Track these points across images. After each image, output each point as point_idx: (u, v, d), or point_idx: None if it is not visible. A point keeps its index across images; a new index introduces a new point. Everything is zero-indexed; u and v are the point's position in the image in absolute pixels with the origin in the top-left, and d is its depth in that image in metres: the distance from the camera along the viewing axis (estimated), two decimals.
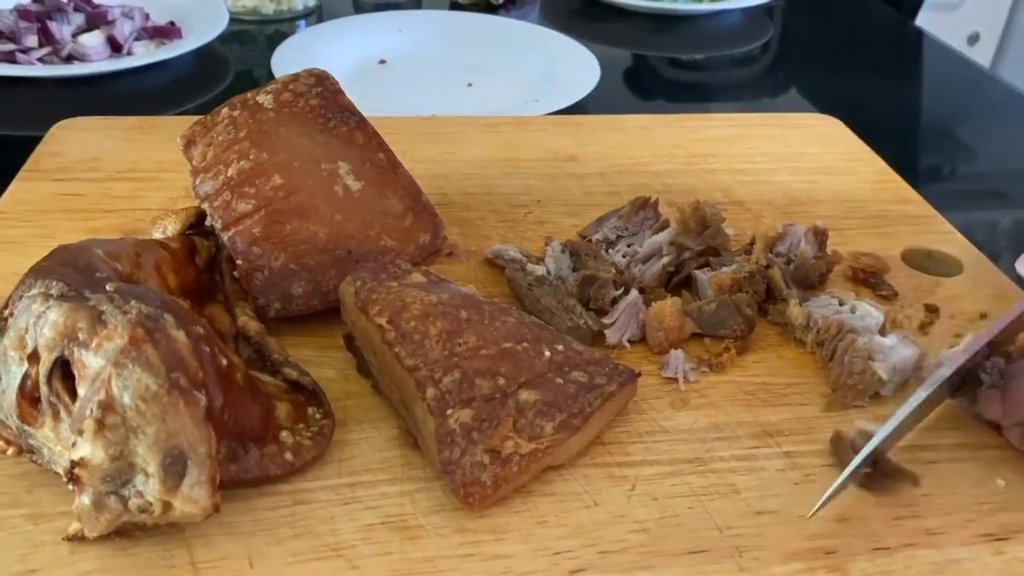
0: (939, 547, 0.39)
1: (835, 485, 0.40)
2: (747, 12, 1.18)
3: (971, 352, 0.44)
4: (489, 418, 0.40)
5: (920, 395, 0.42)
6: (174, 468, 0.35)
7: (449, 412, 0.40)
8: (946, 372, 0.43)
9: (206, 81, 0.91)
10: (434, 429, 0.40)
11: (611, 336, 0.51)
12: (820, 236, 0.57)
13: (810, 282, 0.55)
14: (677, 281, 0.55)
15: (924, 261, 0.60)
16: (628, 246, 0.57)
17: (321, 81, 0.57)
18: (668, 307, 0.50)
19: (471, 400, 0.41)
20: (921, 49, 1.17)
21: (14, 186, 0.62)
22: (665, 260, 0.55)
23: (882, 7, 1.27)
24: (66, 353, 0.37)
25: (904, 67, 1.13)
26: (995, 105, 1.00)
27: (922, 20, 1.29)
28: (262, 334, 0.48)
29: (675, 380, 0.48)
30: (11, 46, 0.86)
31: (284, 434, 0.42)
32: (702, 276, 0.54)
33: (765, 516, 0.40)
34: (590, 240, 0.58)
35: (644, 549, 0.39)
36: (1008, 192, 0.81)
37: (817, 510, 0.40)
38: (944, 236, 0.63)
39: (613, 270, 0.54)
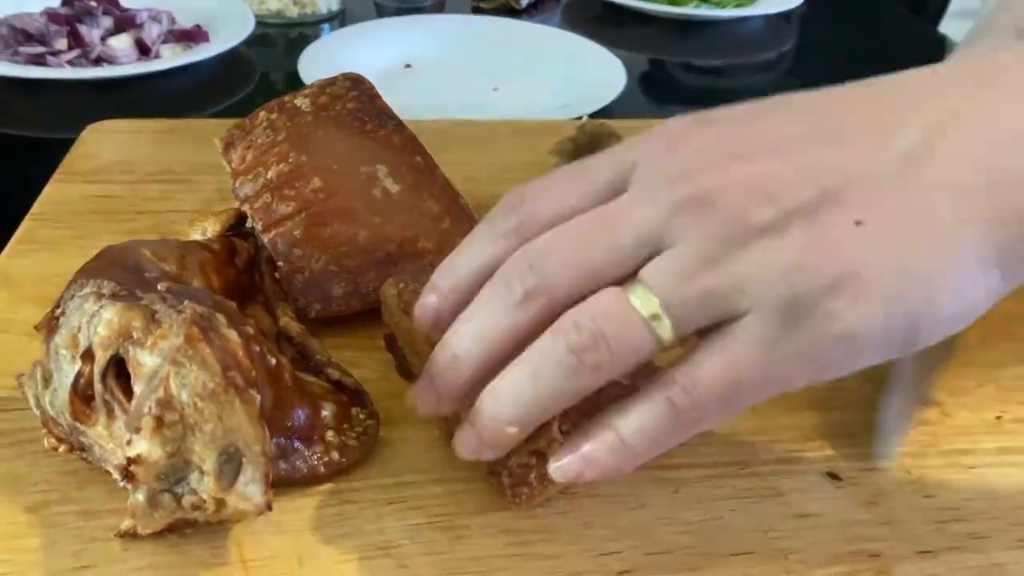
0: (983, 551, 0.39)
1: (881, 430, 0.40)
2: (768, 18, 1.18)
3: None
4: None
5: None
6: (229, 466, 0.35)
7: None
8: None
9: (232, 84, 0.92)
10: None
11: None
12: None
13: None
14: None
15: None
16: None
17: (357, 85, 0.57)
18: None
19: None
20: (944, 55, 1.17)
21: (49, 188, 0.63)
22: None
23: (904, 13, 1.27)
24: (121, 352, 0.37)
25: None
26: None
27: (945, 26, 1.29)
28: (304, 335, 0.48)
29: None
30: (41, 48, 0.87)
31: (330, 434, 0.42)
32: None
33: (808, 519, 0.41)
34: None
35: (690, 551, 0.39)
36: None
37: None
38: None
39: None
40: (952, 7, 1.31)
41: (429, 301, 0.37)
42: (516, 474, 0.39)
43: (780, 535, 0.40)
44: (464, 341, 0.34)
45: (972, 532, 0.40)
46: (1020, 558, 0.39)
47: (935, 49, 1.19)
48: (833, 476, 0.43)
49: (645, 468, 0.43)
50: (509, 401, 0.34)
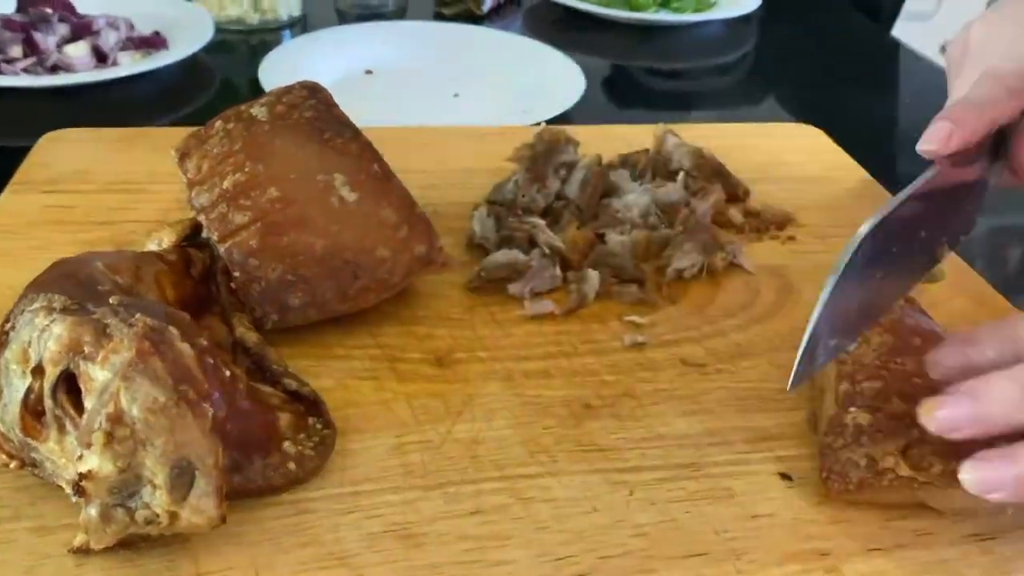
0: (929, 547, 0.40)
1: (798, 358, 0.39)
2: (727, 23, 1.20)
3: (895, 205, 0.42)
4: (885, 431, 0.42)
5: (843, 260, 0.40)
6: (182, 479, 0.35)
7: (852, 410, 0.43)
8: (865, 229, 0.40)
9: (192, 91, 0.92)
10: (831, 415, 0.43)
11: (513, 289, 0.55)
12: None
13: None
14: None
15: None
16: (537, 191, 0.62)
17: (315, 93, 0.57)
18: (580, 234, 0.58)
19: (878, 410, 0.42)
20: (897, 59, 1.19)
21: (4, 198, 0.62)
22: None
23: (859, 18, 1.29)
24: (71, 367, 0.37)
25: (880, 77, 1.15)
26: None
27: (897, 31, 1.31)
28: (261, 345, 0.48)
29: (671, 387, 0.49)
30: None
31: (287, 444, 0.42)
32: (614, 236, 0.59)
33: (761, 519, 0.41)
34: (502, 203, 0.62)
35: (644, 553, 0.39)
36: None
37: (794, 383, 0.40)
38: None
39: (530, 228, 0.58)
40: (905, 11, 1.33)
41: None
42: (841, 464, 0.41)
43: (733, 536, 0.41)
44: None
45: (918, 529, 0.41)
46: (965, 553, 0.40)
47: (889, 52, 1.21)
48: (784, 476, 0.44)
49: (600, 471, 0.44)
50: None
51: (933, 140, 0.44)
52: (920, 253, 0.45)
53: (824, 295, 0.39)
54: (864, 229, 0.40)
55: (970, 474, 0.37)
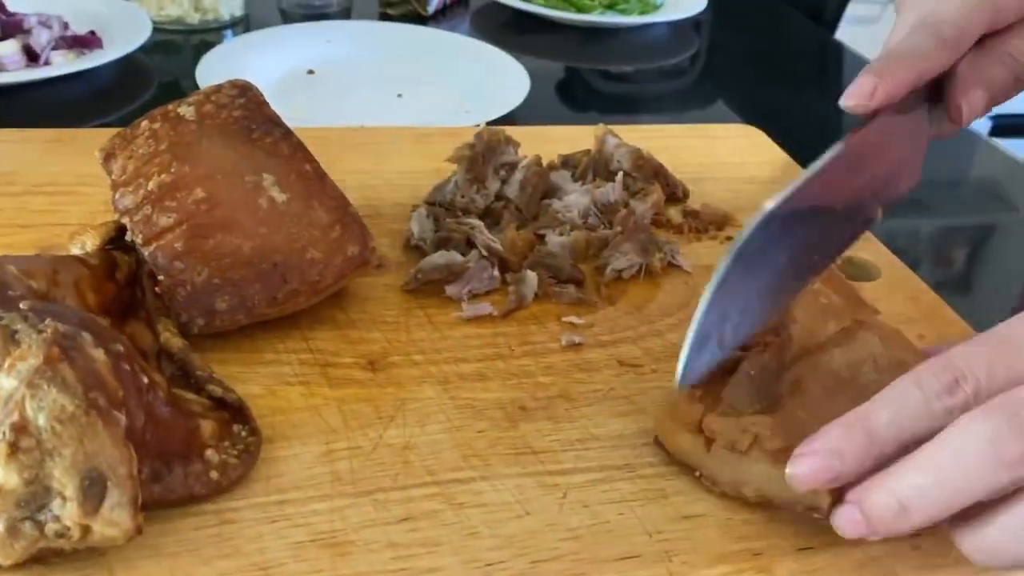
0: (860, 545, 0.40)
1: (681, 363, 0.37)
2: (674, 25, 1.20)
3: (794, 189, 0.39)
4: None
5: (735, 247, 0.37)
6: (93, 490, 0.34)
7: None
8: (769, 206, 0.38)
9: (128, 92, 0.89)
10: None
11: (450, 290, 0.54)
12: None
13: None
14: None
15: (844, 266, 0.62)
16: (476, 191, 0.62)
17: (244, 92, 0.56)
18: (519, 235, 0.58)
19: None
20: (842, 62, 1.21)
21: None
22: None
23: (804, 22, 1.31)
24: None
25: (825, 79, 1.17)
26: None
27: (842, 34, 1.33)
28: (185, 350, 0.47)
29: (607, 388, 0.49)
30: None
31: (209, 452, 0.41)
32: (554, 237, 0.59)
33: (693, 520, 0.41)
34: (442, 204, 0.62)
35: (576, 557, 0.39)
36: (926, 201, 0.84)
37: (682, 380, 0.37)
38: (862, 242, 0.64)
39: (468, 229, 0.58)
40: (847, 14, 1.35)
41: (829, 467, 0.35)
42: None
43: (665, 537, 0.40)
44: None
45: None
46: (895, 550, 0.41)
47: (834, 55, 1.23)
48: None
49: (533, 474, 0.43)
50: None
51: (856, 95, 0.42)
52: (851, 217, 0.43)
53: (713, 281, 0.36)
54: (769, 206, 0.38)
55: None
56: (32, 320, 0.37)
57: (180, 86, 0.93)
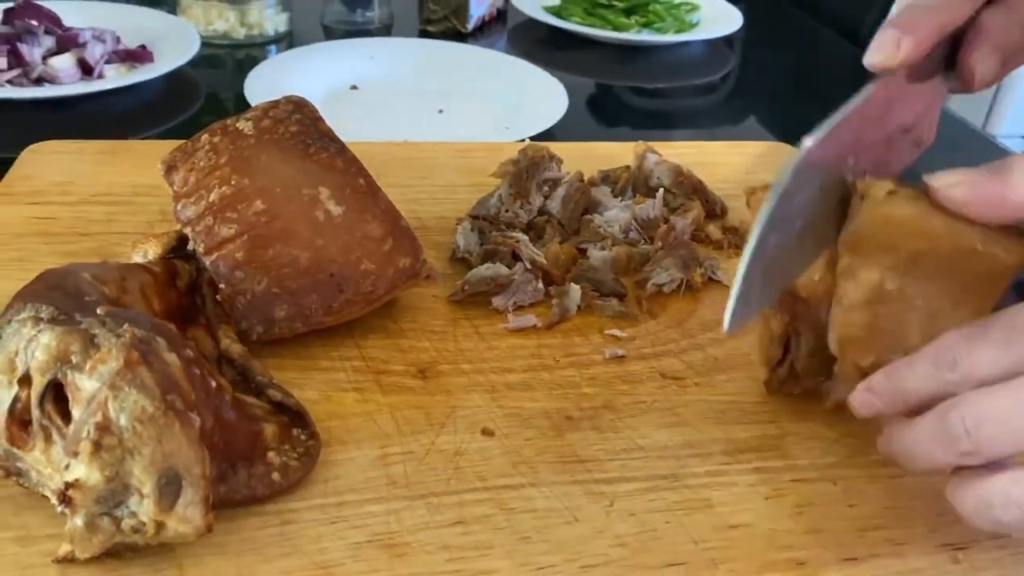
0: (903, 556, 0.41)
1: (732, 299, 0.38)
2: (709, 43, 1.21)
3: (830, 127, 0.40)
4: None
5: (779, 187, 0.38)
6: (169, 488, 0.36)
7: None
8: (808, 143, 0.39)
9: (177, 105, 0.92)
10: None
11: (496, 302, 0.56)
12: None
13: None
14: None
15: None
16: (520, 206, 0.63)
17: (300, 108, 0.58)
18: (562, 248, 0.59)
19: None
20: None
21: None
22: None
23: (839, 40, 1.32)
24: (59, 376, 0.37)
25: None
26: (944, 135, 1.04)
27: None
28: (245, 356, 0.48)
29: (650, 400, 0.50)
30: None
31: (271, 455, 0.43)
32: (596, 252, 0.61)
33: (739, 529, 0.42)
34: (486, 217, 0.63)
35: (624, 563, 0.40)
36: None
37: (731, 325, 0.38)
38: None
39: (513, 243, 0.59)
40: None
41: (871, 401, 0.41)
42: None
43: (711, 545, 0.41)
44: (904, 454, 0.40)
45: (892, 539, 0.42)
46: (936, 563, 0.41)
47: (868, 75, 1.23)
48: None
49: (580, 482, 0.44)
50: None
51: (880, 50, 0.41)
52: (880, 165, 0.43)
53: (762, 216, 0.37)
54: (808, 143, 0.38)
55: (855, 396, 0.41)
56: (110, 325, 0.39)
57: (226, 99, 0.95)
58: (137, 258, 0.54)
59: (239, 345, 0.49)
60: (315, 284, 0.51)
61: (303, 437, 0.44)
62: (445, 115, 0.92)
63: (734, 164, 0.78)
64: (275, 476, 0.42)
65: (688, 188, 0.67)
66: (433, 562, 0.39)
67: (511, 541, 0.41)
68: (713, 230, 0.66)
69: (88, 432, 0.35)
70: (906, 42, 0.41)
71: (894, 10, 0.46)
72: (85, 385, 0.36)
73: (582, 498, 0.43)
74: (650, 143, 0.71)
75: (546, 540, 0.41)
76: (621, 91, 1.09)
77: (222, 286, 0.50)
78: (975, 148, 1.04)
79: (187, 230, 0.52)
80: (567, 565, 0.40)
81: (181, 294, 0.52)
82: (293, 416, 0.45)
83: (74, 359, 0.38)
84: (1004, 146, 1.02)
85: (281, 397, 0.46)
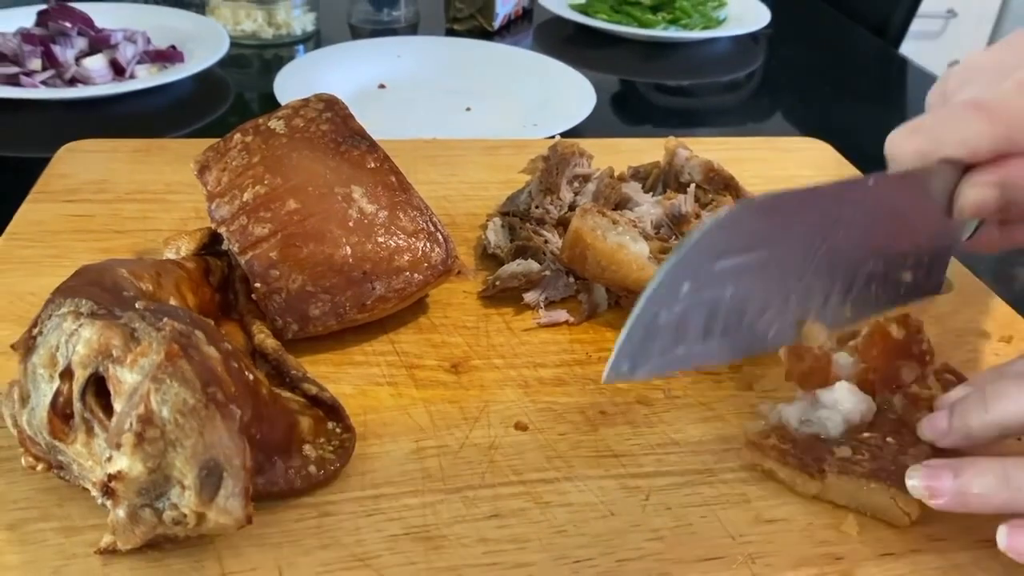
0: (942, 552, 0.41)
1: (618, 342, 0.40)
2: (736, 40, 1.21)
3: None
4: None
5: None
6: (210, 480, 0.36)
7: None
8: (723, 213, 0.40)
9: (207, 104, 0.93)
10: None
11: (528, 297, 0.56)
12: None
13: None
14: None
15: None
16: (550, 202, 0.63)
17: (331, 106, 0.58)
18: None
19: None
20: (905, 76, 1.20)
21: (25, 207, 0.63)
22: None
23: (867, 36, 1.30)
24: (100, 369, 0.38)
25: (888, 94, 1.16)
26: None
27: (904, 49, 1.32)
28: (280, 351, 0.49)
29: (684, 394, 0.50)
30: (15, 69, 0.87)
31: (307, 448, 0.43)
32: None
33: (775, 524, 0.42)
34: (515, 214, 0.63)
35: (660, 557, 0.40)
36: None
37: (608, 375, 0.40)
38: None
39: (543, 239, 0.59)
40: (913, 29, 1.34)
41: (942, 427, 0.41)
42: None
43: (748, 540, 0.41)
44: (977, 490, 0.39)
45: (932, 534, 0.42)
46: (977, 558, 0.41)
47: (897, 69, 1.22)
48: None
49: (615, 476, 0.44)
50: None
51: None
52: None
53: (657, 276, 0.38)
54: (722, 213, 0.39)
55: (916, 480, 0.39)
56: (150, 319, 0.39)
57: (255, 98, 0.96)
58: (169, 254, 0.54)
59: (272, 340, 0.49)
60: (349, 282, 0.51)
61: (338, 430, 0.45)
62: (472, 113, 0.92)
63: (764, 160, 0.77)
64: (312, 468, 0.42)
65: (719, 184, 0.66)
66: (470, 555, 0.39)
67: (547, 534, 0.41)
68: None
69: (131, 424, 0.36)
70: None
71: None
72: (127, 378, 0.37)
73: (617, 492, 0.43)
74: (681, 138, 0.71)
75: (582, 534, 0.41)
76: (647, 88, 1.09)
77: (257, 285, 0.50)
78: None
79: (221, 230, 0.52)
80: (603, 559, 0.40)
81: (214, 290, 0.52)
82: (327, 409, 0.46)
83: (115, 352, 0.38)
84: None
85: (316, 391, 0.46)
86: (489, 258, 0.61)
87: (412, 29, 1.18)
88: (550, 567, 0.39)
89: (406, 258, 0.53)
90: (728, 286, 0.41)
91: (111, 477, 0.36)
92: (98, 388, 0.39)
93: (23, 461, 0.41)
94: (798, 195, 0.41)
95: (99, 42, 0.91)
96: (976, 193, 0.44)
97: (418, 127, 0.86)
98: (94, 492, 0.39)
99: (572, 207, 0.64)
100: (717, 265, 0.40)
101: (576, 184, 0.65)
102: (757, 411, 0.48)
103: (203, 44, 0.97)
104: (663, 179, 0.68)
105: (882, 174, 0.44)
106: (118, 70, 0.91)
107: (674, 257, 0.38)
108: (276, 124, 0.56)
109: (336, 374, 0.50)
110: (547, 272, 0.57)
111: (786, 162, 0.77)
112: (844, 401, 0.43)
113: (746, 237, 0.40)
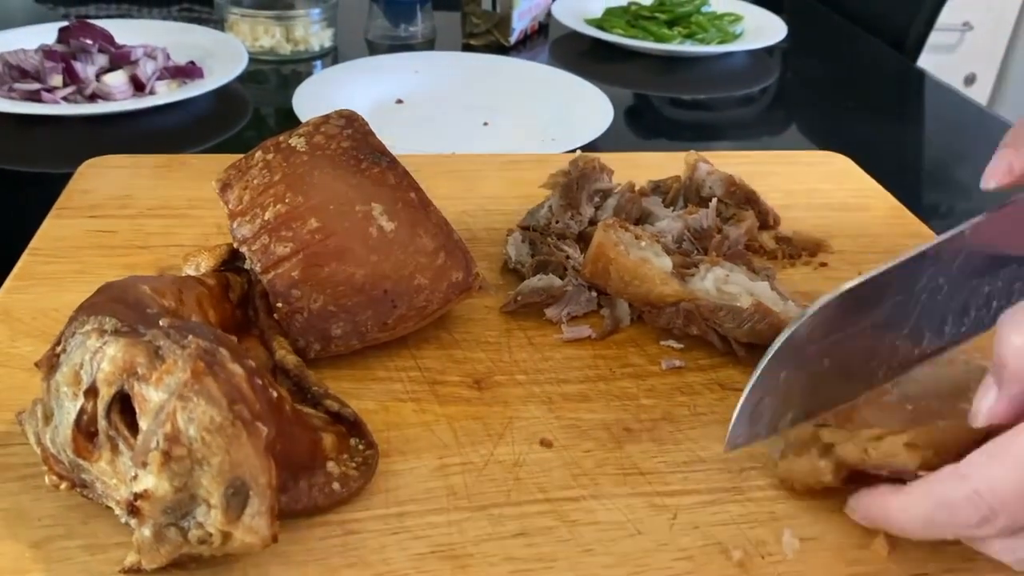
0: (977, 573, 0.40)
1: (735, 413, 0.40)
2: (751, 53, 1.21)
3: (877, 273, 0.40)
4: None
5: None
6: (236, 499, 0.36)
7: None
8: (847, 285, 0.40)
9: (226, 120, 0.93)
10: None
11: (550, 313, 0.56)
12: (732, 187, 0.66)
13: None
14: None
15: None
16: (571, 217, 0.63)
17: (351, 123, 0.58)
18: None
19: None
20: (923, 89, 1.19)
21: (48, 223, 0.63)
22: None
23: (884, 49, 1.30)
24: (125, 387, 0.38)
25: (905, 107, 1.16)
26: (993, 143, 1.02)
27: (920, 61, 1.32)
28: (301, 367, 0.49)
29: (710, 411, 0.49)
30: (36, 85, 0.87)
31: (330, 464, 0.43)
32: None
33: (805, 543, 0.41)
34: (536, 228, 0.63)
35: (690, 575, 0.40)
36: None
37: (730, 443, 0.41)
38: None
39: (565, 254, 0.59)
40: (929, 42, 1.34)
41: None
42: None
43: (778, 559, 0.41)
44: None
45: (964, 554, 0.41)
46: None
47: (914, 82, 1.22)
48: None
49: (642, 494, 0.44)
50: None
51: (995, 175, 0.43)
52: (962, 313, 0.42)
53: (764, 360, 0.39)
54: (848, 285, 0.40)
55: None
56: (174, 336, 0.39)
57: (273, 114, 0.96)
58: (189, 271, 0.54)
59: (294, 356, 0.49)
60: (370, 301, 0.51)
61: (361, 447, 0.44)
62: (490, 127, 0.93)
63: (784, 174, 0.77)
64: (335, 486, 0.42)
65: (740, 198, 0.66)
66: (497, 574, 0.39)
67: (575, 553, 0.40)
68: (767, 240, 0.65)
69: (157, 443, 0.35)
70: (1019, 161, 0.43)
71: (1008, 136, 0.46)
72: (152, 396, 0.37)
73: (644, 510, 0.43)
74: (701, 152, 0.71)
75: (609, 553, 0.40)
76: (663, 102, 1.09)
77: (279, 305, 0.50)
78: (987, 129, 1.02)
79: (243, 249, 0.52)
80: None
81: (234, 306, 0.52)
82: (350, 426, 0.45)
83: (140, 370, 0.38)
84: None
85: (338, 407, 0.46)
86: (510, 273, 0.61)
87: (429, 44, 1.18)
88: None
89: (427, 276, 0.52)
90: (825, 359, 0.41)
91: (137, 496, 0.36)
92: (123, 406, 0.38)
93: (47, 480, 0.41)
94: (888, 273, 0.41)
95: (119, 58, 0.92)
96: None
97: (436, 142, 0.86)
98: (118, 511, 0.39)
99: (593, 222, 0.64)
100: (809, 349, 0.41)
101: (597, 199, 0.65)
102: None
103: (222, 60, 0.98)
104: (684, 193, 0.68)
105: (977, 221, 0.42)
106: (138, 86, 0.91)
107: (769, 353, 0.40)
108: (297, 142, 0.56)
109: (358, 390, 0.50)
110: (569, 287, 0.57)
111: (806, 176, 0.77)
112: None
113: (836, 321, 0.41)
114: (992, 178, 0.43)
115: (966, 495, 0.35)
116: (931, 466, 0.38)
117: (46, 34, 0.96)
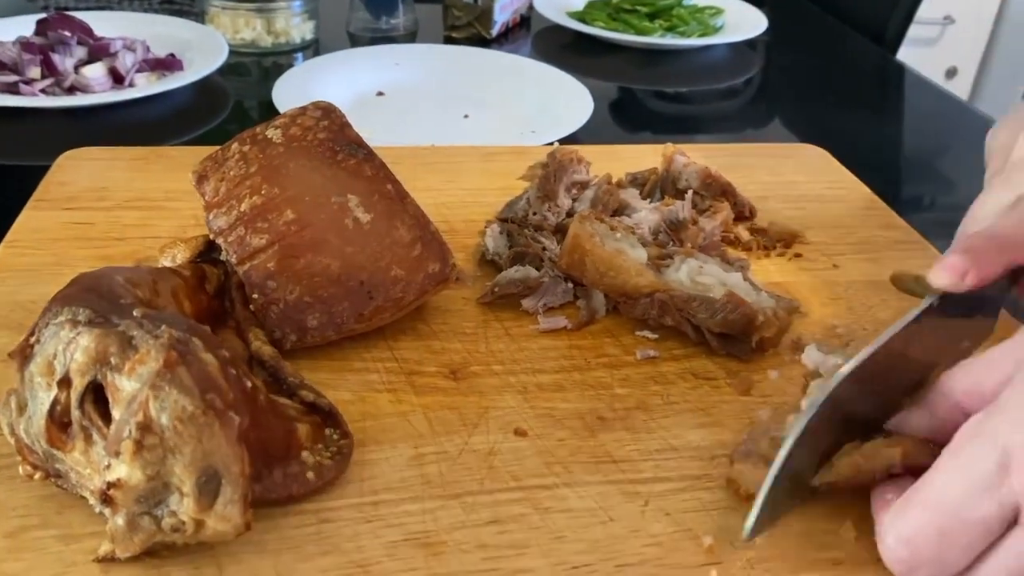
0: None
1: (757, 505, 0.39)
2: (733, 46, 1.21)
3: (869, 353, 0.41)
4: None
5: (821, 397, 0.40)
6: (209, 487, 0.36)
7: None
8: (846, 370, 0.40)
9: (206, 112, 0.93)
10: None
11: (526, 304, 0.56)
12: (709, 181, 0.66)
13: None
14: None
15: (912, 285, 0.62)
16: (548, 209, 0.63)
17: (328, 114, 0.58)
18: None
19: None
20: (902, 83, 1.20)
21: (24, 215, 0.63)
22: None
23: (864, 42, 1.31)
24: (99, 377, 0.38)
25: (885, 100, 1.17)
26: (974, 137, 1.03)
27: (901, 55, 1.33)
28: (276, 358, 0.49)
29: (683, 400, 0.50)
30: (14, 77, 0.87)
31: (305, 454, 0.43)
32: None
33: (775, 529, 0.42)
34: (514, 220, 0.63)
35: (660, 562, 0.40)
36: None
37: (752, 531, 0.38)
38: (930, 261, 0.64)
39: (542, 245, 0.60)
40: (910, 35, 1.35)
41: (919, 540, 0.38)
42: None
43: (746, 545, 0.41)
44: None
45: None
46: None
47: (894, 76, 1.23)
48: None
49: (614, 482, 0.44)
50: None
51: (947, 275, 0.43)
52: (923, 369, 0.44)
53: (786, 444, 0.39)
54: (845, 370, 0.40)
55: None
56: (147, 326, 0.39)
57: (254, 106, 0.96)
58: (165, 262, 0.54)
59: (269, 347, 0.49)
60: (346, 292, 0.51)
61: (336, 436, 0.45)
62: (471, 120, 0.93)
63: (761, 166, 0.77)
64: (310, 475, 0.42)
65: (716, 190, 0.67)
66: (469, 561, 0.39)
67: (546, 540, 0.41)
68: (742, 231, 0.66)
69: (130, 432, 0.36)
70: (972, 274, 0.43)
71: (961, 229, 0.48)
72: (125, 386, 0.37)
73: (617, 498, 0.43)
74: (678, 145, 0.71)
75: (581, 539, 0.41)
76: (645, 95, 1.09)
77: (255, 296, 0.50)
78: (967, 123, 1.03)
79: (219, 240, 0.52)
80: (602, 564, 0.40)
81: (210, 297, 0.52)
82: (325, 416, 0.46)
83: (113, 360, 0.38)
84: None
85: (313, 397, 0.46)
86: (488, 264, 0.61)
87: (410, 37, 1.18)
88: (549, 573, 0.39)
89: (403, 267, 0.53)
90: (830, 434, 0.42)
91: (110, 485, 0.36)
92: (96, 396, 0.39)
93: (21, 470, 0.41)
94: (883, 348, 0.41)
95: (98, 51, 0.92)
96: None
97: (416, 135, 0.86)
98: (92, 500, 0.39)
99: (570, 214, 0.64)
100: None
101: (574, 191, 0.65)
102: (756, 416, 0.48)
103: (202, 52, 0.98)
104: (661, 185, 0.68)
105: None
106: (117, 78, 0.91)
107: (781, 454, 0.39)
108: (273, 133, 0.56)
109: (335, 381, 0.50)
110: (545, 278, 0.57)
111: (783, 168, 0.77)
112: None
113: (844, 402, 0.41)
114: (944, 275, 0.43)
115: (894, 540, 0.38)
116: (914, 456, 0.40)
117: (24, 26, 0.96)
